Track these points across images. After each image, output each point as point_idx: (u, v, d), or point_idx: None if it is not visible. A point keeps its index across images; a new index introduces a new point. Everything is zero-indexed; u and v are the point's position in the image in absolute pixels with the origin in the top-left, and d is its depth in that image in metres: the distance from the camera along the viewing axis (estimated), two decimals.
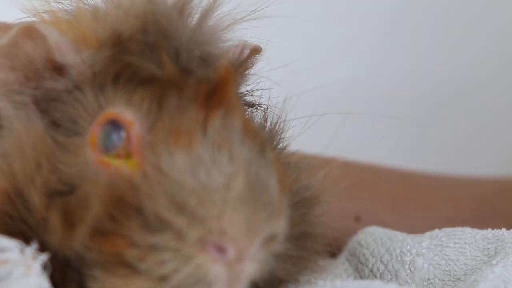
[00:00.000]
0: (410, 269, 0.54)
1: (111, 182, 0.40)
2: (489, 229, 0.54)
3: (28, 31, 0.43)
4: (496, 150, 1.04)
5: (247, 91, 0.49)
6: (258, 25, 0.46)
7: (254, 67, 0.49)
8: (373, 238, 0.58)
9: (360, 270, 0.57)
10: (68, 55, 0.43)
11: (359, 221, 0.67)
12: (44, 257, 0.39)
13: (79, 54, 0.43)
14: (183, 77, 0.42)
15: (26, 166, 0.41)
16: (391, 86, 1.03)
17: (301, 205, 0.46)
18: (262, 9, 0.46)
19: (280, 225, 0.41)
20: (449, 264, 0.53)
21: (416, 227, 0.62)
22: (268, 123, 0.49)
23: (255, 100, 0.50)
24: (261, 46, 0.48)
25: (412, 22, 1.04)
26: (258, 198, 0.39)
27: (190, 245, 0.38)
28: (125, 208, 0.39)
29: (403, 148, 1.01)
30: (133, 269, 0.39)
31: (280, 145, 0.49)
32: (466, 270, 0.52)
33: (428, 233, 0.56)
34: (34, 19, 0.45)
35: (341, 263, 0.59)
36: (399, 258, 0.55)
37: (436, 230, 0.56)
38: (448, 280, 0.53)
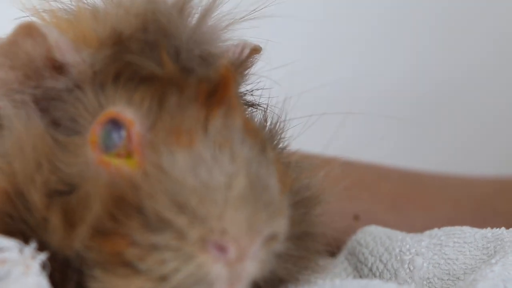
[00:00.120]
0: (410, 268, 0.54)
1: (111, 181, 0.40)
2: (489, 228, 0.54)
3: (28, 30, 0.43)
4: (496, 149, 1.05)
5: (247, 90, 0.49)
6: (258, 24, 0.47)
7: (254, 66, 0.49)
8: (373, 237, 0.58)
9: (360, 269, 0.57)
10: (68, 54, 0.43)
11: (359, 221, 0.67)
12: (43, 256, 0.39)
13: (79, 53, 0.43)
14: (183, 76, 0.42)
15: (26, 165, 0.41)
16: (391, 86, 1.03)
17: (301, 204, 0.46)
18: (262, 8, 0.47)
19: (281, 225, 0.41)
20: (449, 263, 0.53)
21: (415, 227, 0.62)
22: (268, 123, 0.49)
23: (255, 99, 0.50)
24: (261, 45, 0.48)
25: (412, 22, 1.04)
26: (259, 197, 0.39)
27: (191, 245, 0.38)
28: (125, 207, 0.39)
29: (403, 148, 1.02)
30: (133, 268, 0.39)
31: (280, 145, 0.50)
32: (466, 269, 0.52)
33: (427, 232, 0.56)
34: (34, 18, 0.45)
35: (341, 262, 0.59)
36: (399, 257, 0.55)
37: (436, 229, 0.56)
38: (447, 279, 0.53)
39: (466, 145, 1.06)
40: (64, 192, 0.41)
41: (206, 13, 0.45)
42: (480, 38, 1.05)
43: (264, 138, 0.44)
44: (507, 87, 1.06)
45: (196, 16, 0.45)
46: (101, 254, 0.39)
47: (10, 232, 0.41)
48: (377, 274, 0.56)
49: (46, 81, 0.44)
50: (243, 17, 0.47)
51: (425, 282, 0.53)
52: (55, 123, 0.43)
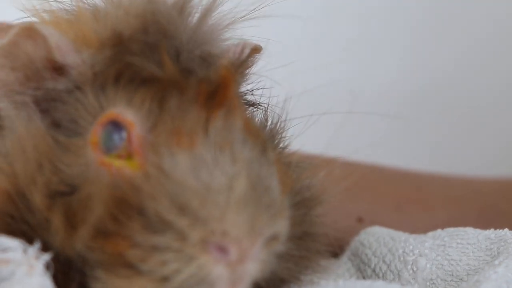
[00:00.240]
0: (413, 269, 0.54)
1: (112, 182, 0.41)
2: (492, 229, 0.55)
3: (29, 31, 0.43)
4: (499, 150, 1.05)
5: (247, 90, 0.50)
6: (258, 24, 0.47)
7: (254, 66, 0.50)
8: (376, 238, 0.58)
9: (363, 270, 0.58)
10: (69, 55, 0.43)
11: (362, 222, 0.67)
12: (46, 256, 0.40)
13: (79, 54, 0.43)
14: (183, 77, 0.42)
15: (27, 166, 0.42)
16: (393, 85, 1.03)
17: (302, 205, 0.46)
18: (262, 8, 0.47)
19: (282, 226, 0.41)
20: (452, 264, 0.54)
21: (419, 228, 0.62)
22: (269, 123, 0.50)
23: (255, 99, 0.50)
24: (261, 45, 0.49)
25: (413, 22, 1.04)
26: (260, 199, 0.40)
27: (192, 246, 0.39)
28: (127, 208, 0.40)
29: (405, 148, 1.02)
30: (135, 269, 0.39)
31: (281, 145, 0.50)
32: (469, 270, 0.53)
33: (430, 233, 0.57)
34: (34, 19, 0.46)
35: (344, 263, 0.59)
36: (402, 258, 0.55)
37: (439, 230, 0.56)
38: (450, 281, 0.53)
39: (470, 146, 1.06)
40: (65, 193, 0.41)
41: (206, 13, 0.45)
42: (481, 38, 1.06)
43: (265, 138, 0.44)
44: (509, 87, 1.06)
45: (196, 16, 0.46)
46: (103, 255, 0.40)
47: (12, 233, 0.41)
48: (380, 275, 0.56)
49: (47, 82, 0.44)
50: (243, 17, 0.47)
51: (428, 283, 0.54)
52: (56, 124, 0.43)
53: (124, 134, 0.42)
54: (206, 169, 0.40)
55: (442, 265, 0.54)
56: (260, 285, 0.43)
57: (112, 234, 0.40)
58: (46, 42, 0.43)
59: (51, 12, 0.46)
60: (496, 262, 0.50)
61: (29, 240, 0.41)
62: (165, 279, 0.39)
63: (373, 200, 0.69)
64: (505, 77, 1.06)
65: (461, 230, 0.56)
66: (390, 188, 0.71)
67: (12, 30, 0.44)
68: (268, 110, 0.50)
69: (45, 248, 0.41)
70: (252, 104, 0.50)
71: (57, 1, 0.47)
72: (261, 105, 0.50)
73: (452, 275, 0.53)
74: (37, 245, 0.40)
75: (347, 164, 0.53)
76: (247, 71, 0.49)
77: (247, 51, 0.48)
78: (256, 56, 0.49)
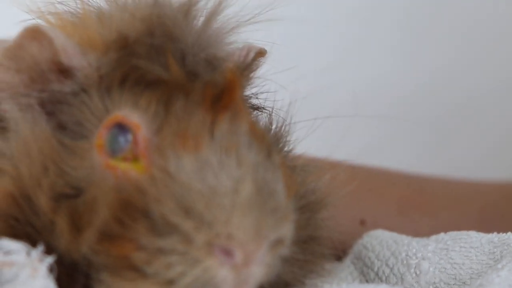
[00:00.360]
0: (416, 273, 0.55)
1: (118, 185, 0.41)
2: (495, 233, 0.55)
3: (34, 34, 0.44)
4: (504, 154, 1.05)
5: (252, 93, 0.50)
6: (263, 27, 0.47)
7: (259, 69, 0.50)
8: (379, 241, 0.59)
9: (366, 273, 0.58)
10: (74, 58, 0.44)
11: (365, 225, 0.67)
12: (50, 259, 0.40)
13: (85, 56, 0.44)
14: (189, 80, 0.43)
15: (32, 169, 0.42)
16: (398, 88, 1.03)
17: (307, 208, 0.47)
18: (266, 11, 0.47)
19: (287, 229, 0.42)
20: (455, 268, 0.54)
21: (422, 232, 0.62)
22: (274, 126, 0.50)
23: (260, 102, 0.51)
24: (266, 48, 0.49)
25: (413, 22, 1.05)
26: (265, 202, 0.40)
27: (198, 249, 0.39)
28: (132, 211, 0.40)
29: (410, 152, 1.02)
30: (140, 272, 0.40)
31: (286, 148, 0.50)
32: (472, 274, 0.53)
33: (433, 237, 0.57)
34: (39, 21, 0.46)
35: (347, 266, 0.60)
36: (405, 262, 0.55)
37: (442, 234, 0.57)
38: (453, 284, 0.53)
39: (475, 150, 1.06)
40: (70, 196, 0.42)
41: (212, 16, 0.46)
42: (483, 36, 1.06)
43: (270, 142, 0.45)
44: (509, 86, 1.06)
45: (202, 19, 0.46)
46: (108, 258, 0.40)
47: (16, 235, 0.41)
48: (383, 278, 0.56)
49: (52, 85, 0.44)
50: (248, 20, 0.47)
51: (431, 287, 0.54)
52: (61, 127, 0.44)
53: (129, 137, 0.42)
54: (212, 172, 0.40)
55: (445, 268, 0.54)
56: None
57: (117, 237, 0.40)
58: (52, 44, 0.44)
59: (56, 15, 0.46)
60: (499, 265, 0.50)
61: (34, 243, 0.41)
62: (170, 282, 0.39)
63: (376, 203, 0.70)
64: (505, 77, 1.06)
65: (464, 234, 0.56)
66: (393, 191, 0.71)
67: (18, 32, 0.44)
68: (273, 114, 0.51)
69: (49, 250, 0.41)
70: (257, 108, 0.50)
71: (62, 4, 0.47)
72: (266, 109, 0.51)
73: (455, 278, 0.54)
74: (40, 247, 0.40)
75: (351, 168, 0.53)
76: (252, 74, 0.49)
77: (252, 54, 0.48)
78: (261, 60, 0.49)
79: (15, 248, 0.40)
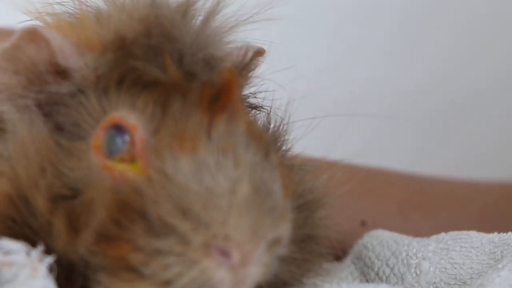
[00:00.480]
0: (416, 273, 0.55)
1: (115, 186, 0.41)
2: (495, 233, 0.55)
3: (32, 35, 0.44)
4: (502, 154, 1.05)
5: (250, 93, 0.50)
6: (261, 27, 0.47)
7: (257, 69, 0.50)
8: (379, 241, 0.59)
9: (366, 273, 0.58)
10: (71, 59, 0.44)
11: (365, 225, 0.68)
12: (50, 259, 0.40)
13: (82, 57, 0.44)
14: (187, 80, 0.43)
15: (29, 170, 0.42)
16: (397, 88, 1.04)
17: (305, 207, 0.47)
18: (265, 11, 0.48)
19: (284, 229, 0.42)
20: (455, 268, 0.54)
21: (421, 231, 0.63)
22: (272, 125, 0.50)
23: (258, 102, 0.51)
24: (264, 48, 0.49)
25: (412, 22, 1.05)
26: (263, 202, 0.40)
27: (195, 250, 0.39)
28: (129, 212, 0.40)
29: (409, 152, 1.02)
30: (137, 273, 0.40)
31: (284, 147, 0.50)
32: (472, 274, 0.53)
33: (434, 237, 0.57)
34: (37, 22, 0.46)
35: (347, 266, 0.60)
36: (405, 262, 0.56)
37: (442, 234, 0.57)
38: (454, 284, 0.54)
39: (474, 150, 1.06)
40: (68, 197, 0.42)
41: (210, 16, 0.46)
42: (483, 36, 1.06)
43: (267, 141, 0.45)
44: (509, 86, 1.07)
45: (200, 19, 0.46)
46: (106, 259, 0.40)
47: (14, 236, 0.42)
48: (384, 278, 0.57)
49: (49, 86, 0.44)
50: (247, 20, 0.47)
51: (431, 287, 0.54)
52: (58, 128, 0.44)
53: (127, 138, 0.42)
54: (209, 173, 0.40)
55: (446, 268, 0.54)
56: None
57: (114, 238, 0.40)
58: (49, 46, 0.44)
59: (54, 15, 0.47)
60: (500, 265, 0.50)
61: (31, 244, 0.41)
62: (167, 282, 0.40)
63: (376, 203, 0.70)
64: (504, 76, 1.06)
65: (464, 234, 0.56)
66: (393, 191, 0.71)
67: (15, 33, 0.44)
68: (271, 113, 0.51)
69: (47, 251, 0.41)
70: (255, 107, 0.51)
71: (60, 4, 0.48)
72: (264, 108, 0.51)
73: (456, 278, 0.54)
74: (40, 247, 0.41)
75: (350, 167, 0.53)
76: (250, 74, 0.50)
77: (250, 54, 0.48)
78: (259, 59, 0.50)
79: (15, 248, 0.41)
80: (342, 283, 0.51)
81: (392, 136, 0.98)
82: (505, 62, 1.06)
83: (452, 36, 1.06)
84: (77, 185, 0.42)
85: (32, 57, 0.44)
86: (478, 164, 1.02)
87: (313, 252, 0.47)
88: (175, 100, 0.42)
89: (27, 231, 0.42)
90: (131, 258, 0.40)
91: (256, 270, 0.41)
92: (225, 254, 0.39)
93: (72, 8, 0.48)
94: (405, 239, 0.58)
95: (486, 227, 0.60)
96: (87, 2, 0.48)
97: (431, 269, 0.55)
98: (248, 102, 0.50)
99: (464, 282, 0.53)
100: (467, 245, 0.55)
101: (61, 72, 0.45)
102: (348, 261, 0.61)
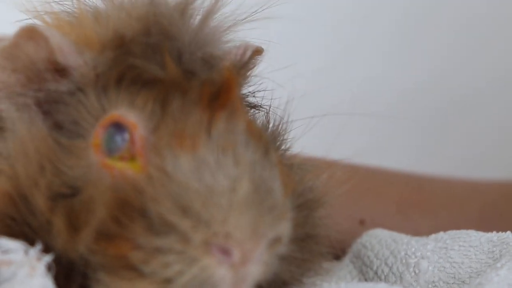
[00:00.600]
0: (415, 272, 0.55)
1: (115, 184, 0.41)
2: (494, 232, 0.55)
3: (30, 33, 0.44)
4: (501, 153, 1.05)
5: (249, 92, 0.51)
6: (260, 26, 0.48)
7: (256, 68, 0.50)
8: (378, 240, 0.59)
9: (365, 272, 0.58)
10: (70, 57, 0.44)
11: (364, 224, 0.68)
12: (48, 258, 0.41)
13: (81, 55, 0.44)
14: (186, 79, 0.43)
15: (29, 168, 0.42)
16: (396, 87, 1.04)
17: (304, 206, 0.47)
18: (263, 10, 0.48)
19: (284, 228, 0.42)
20: (454, 267, 0.54)
21: (421, 230, 0.63)
22: (271, 124, 0.51)
23: (257, 101, 0.51)
24: (263, 47, 0.50)
25: (410, 21, 1.05)
26: (263, 201, 0.41)
27: (195, 248, 0.39)
28: (129, 210, 0.40)
29: (408, 151, 1.03)
30: (138, 271, 0.40)
31: (283, 147, 0.51)
32: (471, 273, 0.54)
33: (433, 236, 0.57)
34: (36, 20, 0.47)
35: (346, 265, 0.60)
36: (404, 261, 0.56)
37: (441, 233, 0.57)
38: (452, 283, 0.54)
39: (473, 149, 1.07)
40: (67, 195, 0.42)
41: (208, 14, 0.46)
42: (483, 34, 1.06)
43: (267, 140, 0.45)
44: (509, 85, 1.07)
45: (198, 17, 0.46)
46: (106, 257, 0.40)
47: (13, 235, 0.42)
48: (383, 277, 0.57)
49: (49, 84, 0.45)
50: (245, 19, 0.48)
51: (430, 286, 0.54)
52: (58, 126, 0.44)
53: (126, 136, 0.42)
54: (209, 171, 0.40)
55: (444, 267, 0.55)
56: (262, 287, 0.43)
57: (114, 236, 0.40)
58: (48, 44, 0.44)
59: (52, 14, 0.47)
60: (498, 264, 0.51)
61: (31, 242, 0.41)
62: (167, 281, 0.40)
63: (375, 202, 0.70)
64: (503, 75, 1.07)
65: (463, 233, 0.56)
66: (392, 190, 0.71)
67: (14, 31, 0.44)
68: (270, 112, 0.51)
69: (46, 250, 0.41)
70: (254, 106, 0.51)
71: (58, 3, 0.48)
72: (263, 107, 0.51)
73: (454, 277, 0.54)
74: (38, 246, 0.41)
75: (349, 166, 0.53)
76: (249, 73, 0.50)
77: (249, 53, 0.49)
78: (258, 58, 0.50)
79: (13, 246, 0.41)
80: (341, 282, 0.52)
81: (391, 135, 0.99)
82: (504, 60, 1.07)
83: (450, 35, 1.06)
84: (76, 184, 0.42)
85: (31, 55, 0.44)
86: (477, 163, 1.03)
87: (313, 251, 0.47)
88: (174, 98, 0.43)
89: (26, 230, 0.42)
90: (131, 256, 0.40)
91: (256, 269, 0.41)
92: (225, 252, 0.40)
93: (71, 7, 0.48)
94: (404, 238, 0.58)
95: (485, 226, 0.61)
96: (86, 1, 0.48)
97: (430, 268, 0.55)
98: (247, 101, 0.51)
99: (463, 281, 0.54)
100: (466, 244, 0.55)
101: (60, 70, 0.45)
102: (347, 260, 0.61)
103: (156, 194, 0.40)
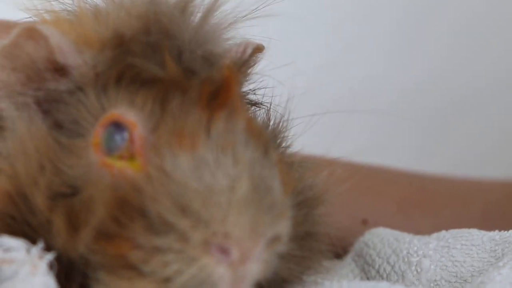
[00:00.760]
0: (417, 270, 0.55)
1: (114, 184, 0.41)
2: (496, 231, 0.56)
3: (30, 32, 0.44)
4: (503, 152, 1.05)
5: (250, 89, 0.51)
6: (260, 23, 0.48)
7: (257, 65, 0.50)
8: (380, 239, 0.59)
9: (367, 271, 0.58)
10: (70, 56, 0.44)
11: (366, 224, 0.68)
12: (50, 256, 0.41)
13: (81, 55, 0.44)
14: (186, 77, 0.43)
15: (29, 167, 0.43)
16: (397, 85, 1.04)
17: (304, 204, 0.47)
18: (264, 7, 0.48)
19: (284, 226, 0.42)
20: (456, 266, 0.54)
21: (422, 229, 0.63)
22: (271, 122, 0.51)
23: (258, 98, 0.51)
24: (264, 44, 0.50)
25: (411, 19, 1.05)
26: (262, 200, 0.41)
27: (194, 247, 0.40)
28: (129, 210, 0.40)
29: (409, 149, 1.03)
30: (137, 271, 0.40)
31: (283, 144, 0.51)
32: (473, 271, 0.54)
33: (435, 235, 0.57)
34: (35, 19, 0.47)
35: (348, 263, 0.60)
36: (406, 259, 0.56)
37: (443, 232, 0.57)
38: (454, 282, 0.54)
39: (474, 148, 1.07)
40: (67, 194, 0.42)
41: (208, 12, 0.46)
42: (482, 33, 1.06)
43: (267, 138, 0.45)
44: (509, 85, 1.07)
45: (198, 15, 0.46)
46: (105, 256, 0.41)
47: (13, 234, 0.42)
48: (385, 276, 0.57)
49: (48, 83, 0.45)
50: (245, 16, 0.48)
51: (432, 285, 0.55)
52: (57, 125, 0.44)
53: (125, 135, 0.42)
54: (208, 170, 0.40)
55: (446, 266, 0.55)
56: (262, 285, 0.43)
57: (114, 236, 0.40)
58: (48, 43, 0.44)
59: (52, 13, 0.47)
60: (501, 263, 0.51)
61: (31, 242, 0.41)
62: (167, 280, 0.40)
63: (376, 201, 0.70)
64: (504, 74, 1.06)
65: (465, 232, 0.56)
66: (394, 189, 0.71)
67: (14, 30, 0.44)
68: (271, 110, 0.51)
69: (46, 249, 0.41)
70: (255, 104, 0.51)
71: (58, 2, 0.48)
72: (263, 105, 0.51)
73: (456, 276, 0.54)
74: (40, 244, 0.41)
75: (350, 165, 0.53)
76: (250, 70, 0.50)
77: (249, 50, 0.49)
78: (259, 56, 0.50)
79: (15, 245, 0.41)
80: (343, 280, 0.52)
81: (391, 134, 0.99)
82: (504, 60, 1.07)
83: (451, 34, 1.06)
84: (76, 183, 0.42)
85: (31, 54, 0.45)
86: (477, 162, 1.03)
87: (313, 249, 0.48)
88: (174, 97, 0.43)
89: (26, 229, 0.42)
90: (130, 255, 0.40)
91: (255, 268, 0.41)
92: (224, 251, 0.40)
93: (71, 6, 0.48)
94: (406, 237, 0.58)
95: (488, 225, 0.61)
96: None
97: (432, 267, 0.55)
98: (247, 99, 0.51)
99: (465, 280, 0.54)
100: (468, 243, 0.55)
101: (60, 70, 0.45)
102: (348, 258, 0.61)
103: (155, 193, 0.40)
